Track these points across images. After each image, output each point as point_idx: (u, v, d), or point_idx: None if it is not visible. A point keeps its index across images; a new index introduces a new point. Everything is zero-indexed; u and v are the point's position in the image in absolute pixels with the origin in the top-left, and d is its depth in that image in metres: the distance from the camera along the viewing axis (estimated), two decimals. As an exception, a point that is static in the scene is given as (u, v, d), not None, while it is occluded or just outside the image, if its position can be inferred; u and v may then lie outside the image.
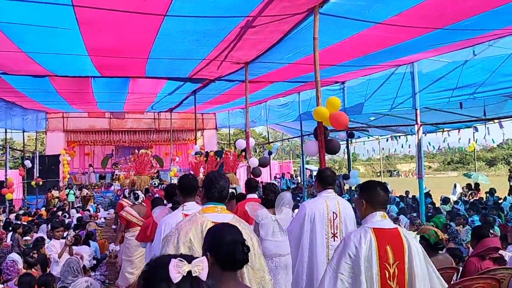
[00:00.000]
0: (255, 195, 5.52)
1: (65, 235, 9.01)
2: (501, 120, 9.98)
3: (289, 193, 4.69)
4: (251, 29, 6.01)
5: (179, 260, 1.27)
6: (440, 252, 4.17)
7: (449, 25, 5.94)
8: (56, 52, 7.16)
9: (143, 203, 6.87)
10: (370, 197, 2.68)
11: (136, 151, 10.14)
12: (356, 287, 2.45)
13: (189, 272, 1.26)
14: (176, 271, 1.24)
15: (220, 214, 2.62)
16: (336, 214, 3.74)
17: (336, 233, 3.74)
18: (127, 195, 8.26)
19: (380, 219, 2.61)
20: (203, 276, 1.28)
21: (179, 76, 9.81)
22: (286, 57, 7.85)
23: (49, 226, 8.65)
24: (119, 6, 4.78)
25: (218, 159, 7.75)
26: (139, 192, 6.78)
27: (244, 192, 6.00)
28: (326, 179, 3.94)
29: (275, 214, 4.48)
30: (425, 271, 2.53)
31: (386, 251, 2.47)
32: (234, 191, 5.60)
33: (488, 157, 49.67)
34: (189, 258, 1.31)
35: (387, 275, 2.45)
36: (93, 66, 8.25)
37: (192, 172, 11.10)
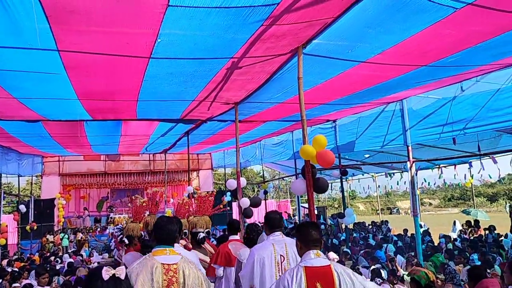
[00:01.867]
0: (237, 236, 5.39)
1: (55, 281, 8.73)
2: (495, 155, 9.93)
3: None
4: (237, 70, 6.06)
5: (108, 267, 2.20)
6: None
7: (434, 62, 6.00)
8: (47, 97, 7.18)
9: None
10: (303, 237, 2.89)
11: (128, 197, 9.93)
12: None
13: (114, 274, 2.19)
14: (106, 272, 2.17)
15: (168, 256, 2.86)
16: (284, 257, 3.84)
17: None
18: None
19: (313, 257, 2.79)
20: (122, 277, 2.22)
21: (170, 118, 9.85)
22: (275, 97, 7.90)
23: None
24: (103, 49, 4.83)
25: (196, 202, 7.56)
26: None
27: (227, 233, 5.88)
28: (272, 222, 4.05)
29: None
30: None
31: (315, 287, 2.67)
32: (202, 234, 5.51)
33: (489, 193, 49.23)
34: (114, 266, 2.22)
35: None
36: (84, 110, 8.27)
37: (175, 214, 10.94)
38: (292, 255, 3.90)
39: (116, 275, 2.18)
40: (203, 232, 5.68)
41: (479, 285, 4.03)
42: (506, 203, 41.17)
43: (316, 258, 2.79)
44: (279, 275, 3.76)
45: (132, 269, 2.74)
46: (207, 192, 6.85)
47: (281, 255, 3.86)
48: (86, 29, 4.30)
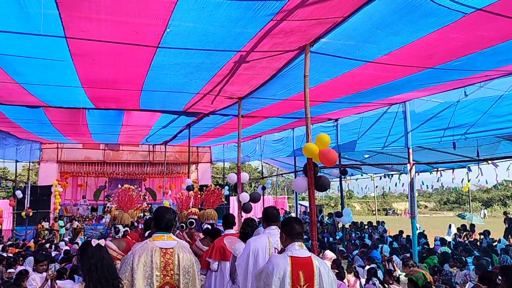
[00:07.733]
0: (232, 231, 5.43)
1: (52, 268, 8.74)
2: (494, 161, 9.98)
3: None
4: (244, 64, 6.06)
5: (95, 239, 3.19)
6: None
7: (439, 64, 6.02)
8: (50, 84, 7.18)
9: (127, 237, 6.92)
10: (287, 230, 3.21)
11: (119, 185, 9.96)
12: None
13: (98, 244, 3.14)
14: (94, 242, 3.14)
15: (166, 241, 3.29)
16: (277, 249, 3.96)
17: None
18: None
19: (297, 249, 3.13)
20: (103, 245, 3.16)
21: (173, 110, 9.85)
22: (279, 93, 7.91)
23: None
24: (111, 38, 4.82)
25: (201, 195, 7.59)
26: (120, 227, 6.77)
27: (222, 227, 5.92)
28: (269, 217, 4.23)
29: None
30: None
31: (298, 275, 3.02)
32: (209, 226, 5.56)
33: (484, 198, 49.37)
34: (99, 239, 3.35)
35: None
36: (87, 98, 8.27)
37: (173, 207, 11.02)
38: None
39: (100, 244, 3.13)
40: (211, 225, 5.74)
41: None
42: (481, 210, 41.84)
43: (300, 249, 3.13)
44: None
45: (135, 250, 3.19)
46: (212, 185, 6.92)
47: (275, 248, 4.02)
48: (96, 17, 4.30)
